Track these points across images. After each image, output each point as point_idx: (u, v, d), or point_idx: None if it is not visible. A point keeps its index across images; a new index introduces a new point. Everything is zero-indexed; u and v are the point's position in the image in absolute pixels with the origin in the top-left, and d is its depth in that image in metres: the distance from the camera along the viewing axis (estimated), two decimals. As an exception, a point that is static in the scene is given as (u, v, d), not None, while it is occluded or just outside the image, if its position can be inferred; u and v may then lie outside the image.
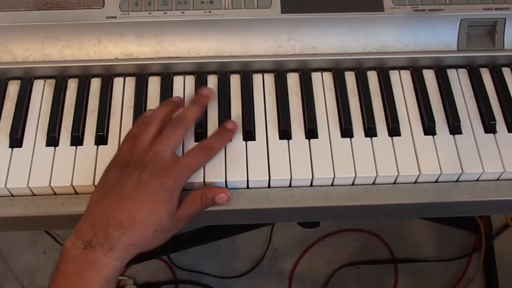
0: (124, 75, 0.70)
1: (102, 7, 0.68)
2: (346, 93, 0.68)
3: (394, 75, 0.70)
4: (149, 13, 0.68)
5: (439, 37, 0.70)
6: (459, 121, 0.66)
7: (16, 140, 0.64)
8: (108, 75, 0.69)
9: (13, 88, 0.68)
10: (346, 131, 0.65)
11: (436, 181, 0.64)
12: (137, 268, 1.31)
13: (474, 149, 0.64)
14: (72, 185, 0.61)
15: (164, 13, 0.68)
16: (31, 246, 1.36)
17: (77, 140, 0.64)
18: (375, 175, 0.62)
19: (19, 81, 0.69)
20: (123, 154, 0.60)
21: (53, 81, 0.69)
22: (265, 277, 1.33)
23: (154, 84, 0.69)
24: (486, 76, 0.70)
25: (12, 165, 0.63)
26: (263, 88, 0.69)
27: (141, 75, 0.69)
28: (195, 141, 0.64)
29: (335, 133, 0.65)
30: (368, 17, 0.69)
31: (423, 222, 1.38)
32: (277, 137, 0.65)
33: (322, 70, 0.70)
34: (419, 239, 1.37)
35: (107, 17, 0.68)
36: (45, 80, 0.69)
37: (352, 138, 0.65)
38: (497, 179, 0.64)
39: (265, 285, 1.33)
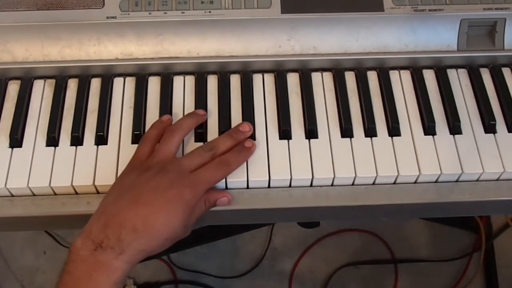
0: (124, 75, 0.70)
1: (102, 7, 0.68)
2: (346, 93, 0.68)
3: (394, 75, 0.70)
4: (149, 13, 0.68)
5: (439, 37, 0.70)
6: (459, 121, 0.66)
7: (16, 140, 0.64)
8: (108, 75, 0.69)
9: (13, 88, 0.68)
10: (346, 131, 0.65)
11: (436, 181, 0.64)
12: (137, 268, 1.30)
13: (474, 149, 0.64)
14: (72, 185, 0.61)
15: (164, 13, 0.68)
16: (31, 246, 1.36)
17: (77, 140, 0.64)
18: (375, 175, 0.62)
19: (19, 81, 0.69)
20: (143, 157, 0.60)
21: (53, 81, 0.69)
22: (265, 277, 1.33)
23: (154, 84, 0.69)
24: (486, 76, 0.70)
25: (12, 165, 0.63)
26: (263, 88, 0.69)
27: (141, 75, 0.69)
28: (195, 141, 0.64)
29: (335, 133, 0.65)
30: (368, 17, 0.69)
31: (423, 222, 1.38)
32: (277, 137, 0.65)
33: (322, 70, 0.70)
34: (419, 239, 1.37)
35: (107, 17, 0.68)
36: (45, 80, 0.69)
37: (352, 138, 0.65)
38: (497, 179, 0.64)
39: (265, 285, 1.33)
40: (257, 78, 0.70)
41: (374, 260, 1.34)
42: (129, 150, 0.63)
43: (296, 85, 0.69)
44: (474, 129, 0.66)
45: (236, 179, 0.62)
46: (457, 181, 0.64)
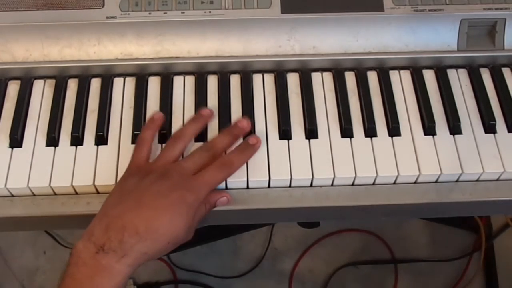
0: (124, 75, 0.70)
1: (102, 7, 0.68)
2: (346, 93, 0.68)
3: (394, 75, 0.70)
4: (149, 13, 0.68)
5: (439, 37, 0.70)
6: (459, 121, 0.66)
7: (16, 140, 0.64)
8: (108, 75, 0.69)
9: (13, 88, 0.68)
10: (346, 131, 0.65)
11: (436, 181, 0.64)
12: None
13: (474, 149, 0.64)
14: (72, 185, 0.61)
15: (164, 13, 0.68)
16: (31, 246, 1.36)
17: (77, 140, 0.64)
18: (375, 175, 0.62)
19: (19, 81, 0.69)
20: (141, 160, 0.60)
21: (53, 81, 0.69)
22: (265, 277, 1.33)
23: (154, 84, 0.69)
24: (486, 76, 0.70)
25: (12, 165, 0.63)
26: (263, 88, 0.69)
27: (141, 75, 0.69)
28: (195, 141, 0.64)
29: (335, 133, 0.65)
30: (368, 17, 0.69)
31: (423, 222, 1.38)
32: (277, 137, 0.65)
33: (322, 70, 0.70)
34: (419, 239, 1.37)
35: (107, 17, 0.68)
36: (45, 80, 0.69)
37: (352, 138, 0.65)
38: (497, 179, 0.64)
39: (265, 285, 1.32)
40: (257, 78, 0.70)
41: (374, 260, 1.34)
42: (129, 150, 0.63)
43: (296, 85, 0.69)
44: (474, 129, 0.66)
45: (236, 179, 0.62)
46: (457, 181, 0.64)
